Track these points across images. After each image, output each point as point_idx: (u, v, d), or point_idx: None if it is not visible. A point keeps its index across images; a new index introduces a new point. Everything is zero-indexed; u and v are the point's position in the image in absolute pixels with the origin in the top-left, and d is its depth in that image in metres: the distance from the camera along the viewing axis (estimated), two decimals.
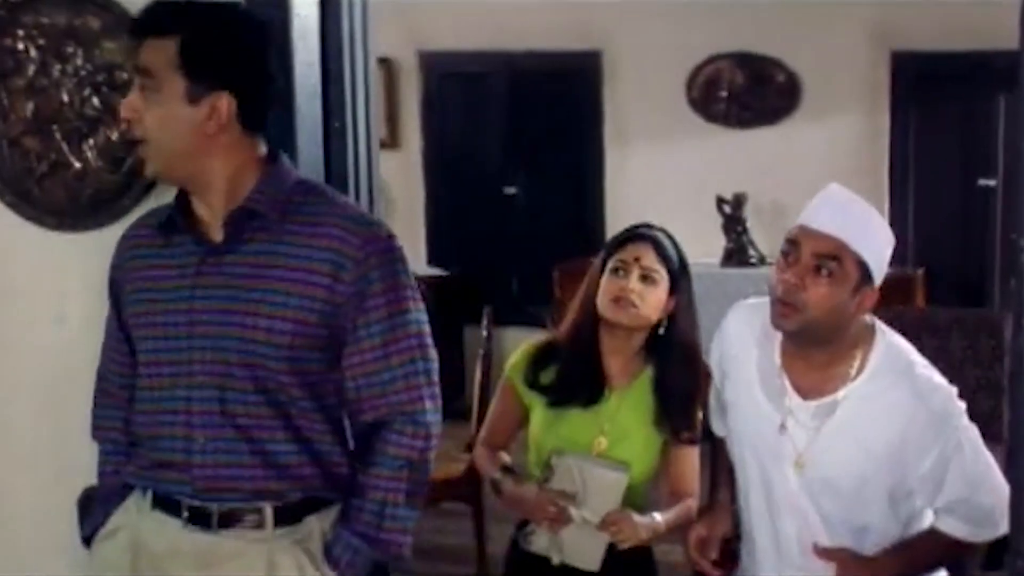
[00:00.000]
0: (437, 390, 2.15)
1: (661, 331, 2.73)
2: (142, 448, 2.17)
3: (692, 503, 2.75)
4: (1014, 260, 1.70)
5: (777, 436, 2.33)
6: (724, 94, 7.10)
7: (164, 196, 2.40)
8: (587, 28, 7.12)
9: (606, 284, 2.70)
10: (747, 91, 7.06)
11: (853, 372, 2.30)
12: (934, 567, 2.43)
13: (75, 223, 2.48)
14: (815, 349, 2.32)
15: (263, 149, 2.13)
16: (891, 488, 2.31)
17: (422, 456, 2.13)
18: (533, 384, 2.76)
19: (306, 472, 2.10)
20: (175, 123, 2.01)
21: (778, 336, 2.36)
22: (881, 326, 2.37)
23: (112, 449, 2.26)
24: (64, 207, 2.47)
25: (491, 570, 4.53)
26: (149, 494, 2.15)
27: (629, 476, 2.62)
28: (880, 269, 2.28)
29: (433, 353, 2.16)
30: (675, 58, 7.06)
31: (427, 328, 2.16)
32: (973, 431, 2.30)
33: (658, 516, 2.66)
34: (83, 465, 2.43)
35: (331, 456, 2.13)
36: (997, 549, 2.42)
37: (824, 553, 2.32)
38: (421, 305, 2.16)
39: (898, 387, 2.28)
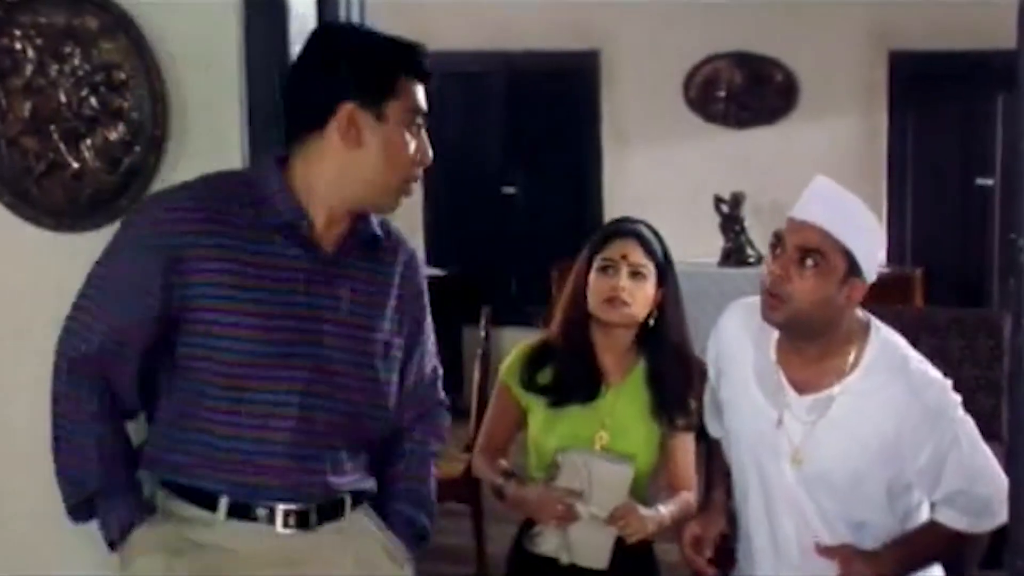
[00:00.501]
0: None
1: (651, 323, 2.75)
2: (214, 453, 2.06)
3: (690, 496, 2.77)
4: (1013, 259, 1.70)
5: (774, 432, 2.34)
6: (722, 94, 7.11)
7: None
8: (585, 28, 7.12)
9: (596, 283, 2.71)
10: (745, 91, 7.07)
11: (848, 367, 2.31)
12: (934, 559, 2.43)
13: (73, 223, 2.47)
14: (807, 343, 2.33)
15: None
16: (888, 482, 2.32)
17: (444, 439, 2.37)
18: (530, 386, 2.76)
19: (366, 466, 2.20)
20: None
21: (774, 333, 2.37)
22: (876, 322, 2.38)
23: (103, 431, 2.11)
24: (62, 207, 2.47)
25: (491, 570, 4.53)
26: (224, 502, 2.08)
27: (634, 468, 2.63)
28: (869, 261, 2.28)
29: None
30: (673, 58, 7.06)
31: None
32: (969, 423, 2.31)
33: (662, 508, 2.68)
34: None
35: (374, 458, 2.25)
36: (996, 547, 2.42)
37: (826, 551, 2.32)
38: None
39: (893, 382, 2.29)
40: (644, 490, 2.75)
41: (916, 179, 6.95)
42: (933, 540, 2.37)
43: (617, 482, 2.62)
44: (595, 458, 2.63)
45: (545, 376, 2.76)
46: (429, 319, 2.30)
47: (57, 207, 2.47)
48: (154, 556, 2.07)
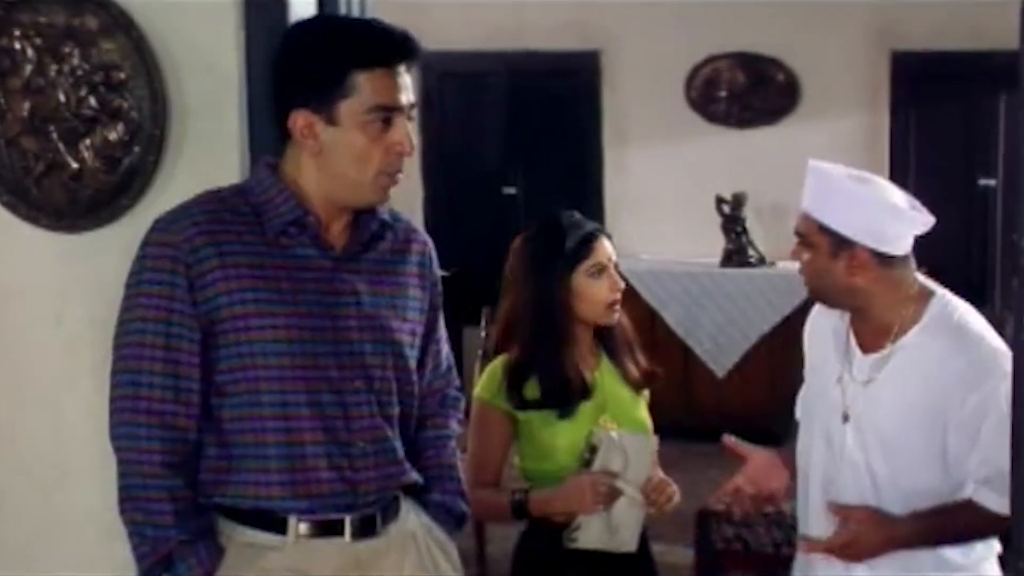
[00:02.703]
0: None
1: None
2: (275, 464, 2.03)
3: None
4: (1015, 260, 1.70)
5: (833, 388, 2.44)
6: (723, 94, 7.10)
7: (161, 198, 2.40)
8: (586, 28, 7.12)
9: (591, 290, 2.71)
10: (746, 91, 7.06)
11: (907, 326, 2.39)
12: (957, 539, 2.41)
13: (73, 223, 2.46)
14: (853, 312, 2.45)
15: None
16: (939, 443, 2.33)
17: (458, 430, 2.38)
18: (522, 405, 2.70)
19: (404, 458, 2.19)
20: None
21: None
22: (941, 289, 2.47)
23: (185, 507, 2.02)
24: (62, 207, 2.46)
25: (491, 571, 4.53)
26: (292, 522, 2.04)
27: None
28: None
29: None
30: (674, 58, 7.06)
31: None
32: None
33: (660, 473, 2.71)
34: (83, 465, 2.42)
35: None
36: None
37: (843, 511, 2.36)
38: None
39: (945, 338, 2.36)
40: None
41: (918, 179, 6.94)
42: (962, 518, 2.36)
43: (647, 453, 2.66)
44: (623, 434, 2.66)
45: (532, 390, 2.71)
46: (440, 313, 2.32)
47: (56, 207, 2.46)
48: None
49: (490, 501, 2.69)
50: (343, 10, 2.53)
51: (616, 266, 2.77)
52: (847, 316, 2.48)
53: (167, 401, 2.00)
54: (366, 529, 2.10)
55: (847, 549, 2.35)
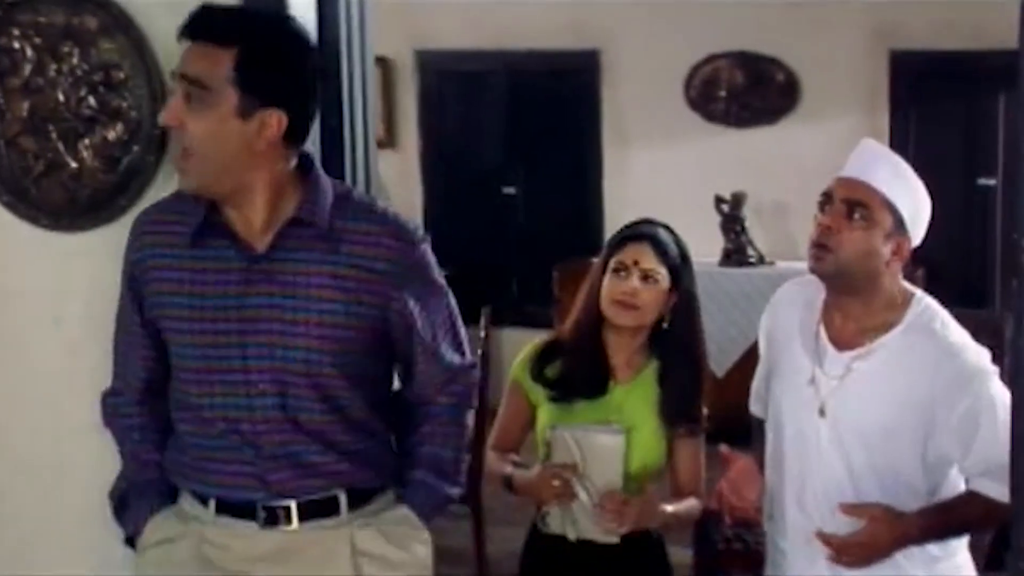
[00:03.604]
0: (467, 339, 2.31)
1: (665, 325, 2.74)
2: (197, 453, 2.14)
3: (696, 502, 2.75)
4: (1015, 260, 1.70)
5: (806, 387, 2.41)
6: (723, 93, 7.09)
7: (161, 197, 2.39)
8: (585, 27, 7.11)
9: (608, 285, 2.72)
10: (746, 90, 7.05)
11: (886, 327, 2.38)
12: (965, 531, 2.43)
13: (72, 223, 2.46)
14: (851, 299, 2.40)
15: (295, 159, 2.13)
16: (922, 445, 2.34)
17: (472, 403, 2.32)
18: (538, 377, 2.77)
19: (377, 460, 2.19)
20: (224, 137, 2.00)
21: (822, 296, 2.45)
22: (922, 293, 2.44)
23: (142, 437, 2.22)
24: (61, 207, 2.46)
25: (491, 571, 4.53)
26: (212, 501, 2.13)
27: (627, 440, 2.63)
28: (915, 220, 2.38)
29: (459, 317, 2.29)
30: (674, 57, 7.05)
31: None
32: (1005, 391, 2.30)
33: (668, 507, 2.68)
34: (83, 465, 2.42)
35: (388, 446, 2.24)
36: (998, 549, 2.41)
37: (853, 509, 2.33)
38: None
39: (928, 343, 2.35)
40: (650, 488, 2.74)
41: None
42: (966, 510, 2.37)
43: (609, 453, 2.61)
44: (585, 431, 2.63)
45: (553, 370, 2.77)
46: (448, 310, 2.23)
47: (56, 207, 2.46)
48: (161, 545, 2.16)
49: (493, 466, 2.81)
50: (342, 10, 2.53)
51: (647, 273, 2.69)
52: (818, 311, 2.45)
53: (128, 376, 2.22)
54: (278, 519, 2.11)
55: (862, 549, 2.32)
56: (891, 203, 2.34)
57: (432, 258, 2.21)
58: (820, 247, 2.35)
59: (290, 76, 2.04)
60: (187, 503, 2.18)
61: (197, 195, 2.07)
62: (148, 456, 2.21)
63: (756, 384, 2.69)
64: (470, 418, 2.32)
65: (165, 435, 2.21)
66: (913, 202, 2.38)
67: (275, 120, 2.01)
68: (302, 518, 2.12)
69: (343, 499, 2.15)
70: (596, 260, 2.81)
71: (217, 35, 1.98)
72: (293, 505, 2.11)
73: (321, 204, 2.09)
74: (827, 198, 2.37)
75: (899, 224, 2.35)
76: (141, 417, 2.22)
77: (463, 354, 2.28)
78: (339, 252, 2.08)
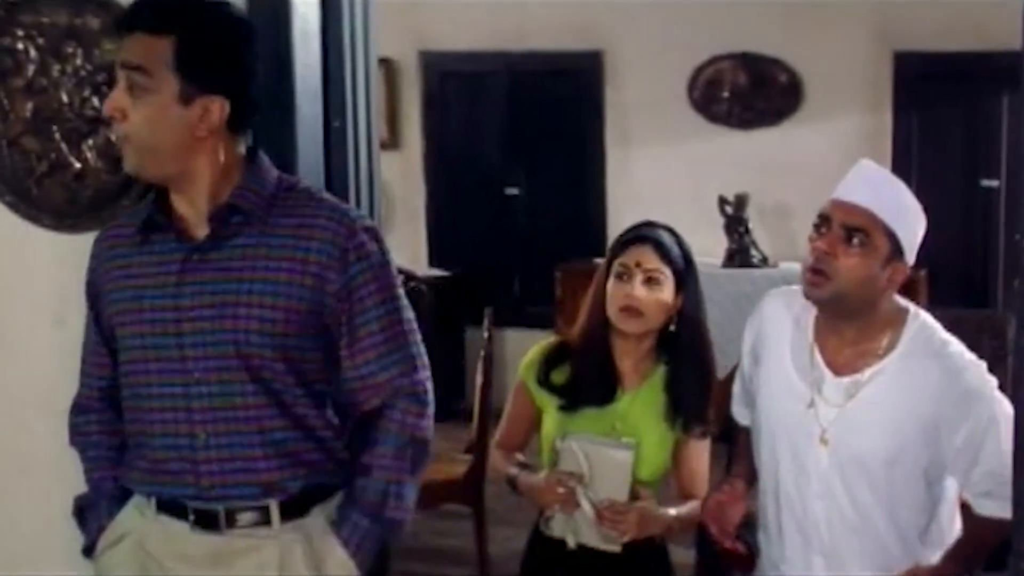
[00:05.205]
0: (427, 365, 2.20)
1: (672, 328, 2.73)
2: (139, 451, 2.17)
3: (698, 505, 2.74)
4: (1017, 260, 1.70)
5: (805, 412, 2.35)
6: (726, 94, 7.09)
7: None
8: (588, 28, 7.11)
9: (612, 290, 2.70)
10: (749, 91, 7.05)
11: (884, 349, 2.34)
12: (985, 555, 2.43)
13: (74, 224, 2.47)
14: (846, 323, 2.35)
15: (243, 147, 2.13)
16: (926, 467, 2.33)
17: (424, 433, 2.18)
18: (545, 384, 2.76)
19: (311, 458, 2.14)
20: (165, 123, 2.01)
21: (812, 314, 2.40)
22: (914, 308, 2.40)
23: (96, 455, 2.26)
24: (63, 207, 2.46)
25: (491, 571, 4.52)
26: (153, 499, 2.16)
27: (636, 455, 2.62)
28: (911, 245, 2.33)
29: (415, 332, 2.21)
30: (677, 58, 7.05)
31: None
32: (1007, 405, 2.30)
33: (672, 511, 2.69)
34: (82, 467, 2.42)
35: (331, 441, 2.17)
36: (1000, 550, 2.41)
37: None
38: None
39: (930, 364, 2.31)
40: (655, 494, 2.74)
41: (920, 180, 6.92)
42: (982, 537, 2.37)
43: (617, 468, 2.61)
44: (595, 444, 2.62)
45: (561, 375, 2.76)
46: (393, 307, 2.14)
47: (58, 207, 2.46)
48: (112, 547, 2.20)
49: (498, 464, 2.84)
50: (345, 10, 2.53)
51: (650, 275, 2.68)
52: (809, 331, 2.40)
53: (87, 385, 2.28)
54: (208, 523, 2.11)
55: None
56: (891, 230, 2.29)
57: (379, 252, 2.13)
58: (817, 272, 2.29)
59: (230, 63, 2.04)
60: (134, 501, 2.20)
61: (138, 177, 2.14)
62: (102, 473, 2.24)
63: (737, 391, 2.64)
64: (420, 444, 2.18)
65: (122, 451, 2.23)
66: (912, 228, 2.34)
67: (216, 107, 2.02)
68: (230, 524, 2.11)
69: (275, 509, 2.11)
70: (600, 264, 2.80)
71: (155, 24, 2.00)
72: (221, 509, 2.10)
73: (255, 190, 2.09)
74: (823, 220, 2.31)
75: (897, 251, 2.30)
76: (100, 431, 2.25)
77: (411, 370, 2.15)
78: (274, 235, 2.08)
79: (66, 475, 2.50)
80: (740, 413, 2.64)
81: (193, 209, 2.09)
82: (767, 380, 2.47)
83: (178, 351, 2.08)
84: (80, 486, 2.45)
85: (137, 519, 2.18)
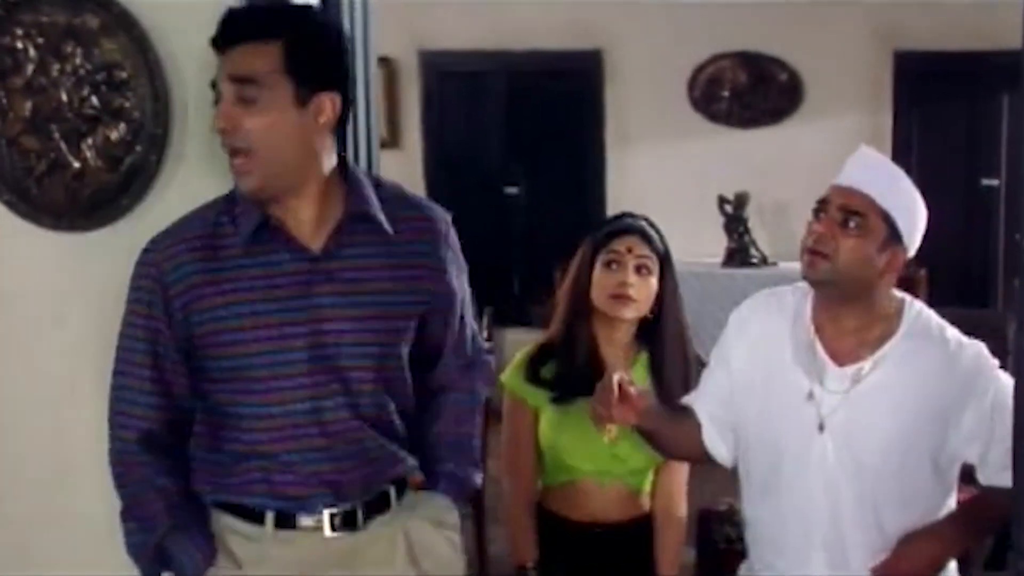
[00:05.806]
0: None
1: (650, 316, 2.79)
2: (245, 468, 2.10)
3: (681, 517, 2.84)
4: (1017, 260, 1.70)
5: (804, 404, 2.36)
6: (726, 94, 7.10)
7: (163, 198, 2.40)
8: (588, 27, 7.12)
9: (601, 279, 2.74)
10: (749, 91, 7.06)
11: (884, 337, 2.35)
12: (994, 527, 2.42)
13: (74, 223, 2.46)
14: (845, 311, 2.36)
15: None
16: (933, 453, 2.32)
17: (489, 388, 2.39)
18: (534, 380, 2.77)
19: (408, 448, 2.19)
20: (284, 128, 2.00)
21: (810, 307, 2.42)
22: (911, 298, 2.42)
23: (164, 481, 2.12)
24: (63, 207, 2.46)
25: (492, 571, 4.52)
26: (270, 516, 2.10)
27: (633, 442, 2.64)
28: (909, 231, 2.35)
29: None
30: (677, 57, 7.05)
31: None
32: (1010, 381, 2.29)
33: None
34: (84, 466, 2.42)
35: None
36: (999, 548, 2.41)
37: (885, 568, 2.33)
38: None
39: (929, 349, 2.33)
40: (646, 484, 2.79)
41: (920, 179, 6.82)
42: (991, 507, 2.34)
43: None
44: None
45: (548, 371, 2.79)
46: (458, 282, 2.24)
47: (58, 207, 2.46)
48: None
49: (520, 526, 2.82)
50: (345, 10, 2.53)
51: (641, 262, 2.74)
52: (808, 323, 2.40)
53: (148, 418, 2.11)
54: (344, 522, 2.12)
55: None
56: (887, 213, 2.31)
57: (456, 240, 2.24)
58: (815, 253, 2.32)
59: (335, 57, 2.07)
60: (229, 521, 2.12)
61: (255, 198, 2.05)
62: (185, 491, 2.14)
63: (705, 392, 2.57)
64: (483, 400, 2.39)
65: (186, 493, 2.14)
66: (909, 213, 2.36)
67: (329, 103, 2.03)
68: (367, 518, 2.14)
69: (392, 492, 2.18)
70: (578, 255, 2.82)
71: (261, 32, 1.99)
72: (359, 506, 2.12)
73: (370, 198, 2.11)
74: (822, 205, 2.35)
75: (894, 235, 2.32)
76: (153, 461, 2.12)
77: (480, 337, 2.34)
78: (390, 242, 2.11)
79: (66, 476, 2.50)
80: (719, 452, 2.57)
81: (298, 219, 2.07)
82: (764, 380, 2.46)
83: (306, 366, 2.05)
84: (79, 487, 2.45)
85: (245, 546, 2.11)
